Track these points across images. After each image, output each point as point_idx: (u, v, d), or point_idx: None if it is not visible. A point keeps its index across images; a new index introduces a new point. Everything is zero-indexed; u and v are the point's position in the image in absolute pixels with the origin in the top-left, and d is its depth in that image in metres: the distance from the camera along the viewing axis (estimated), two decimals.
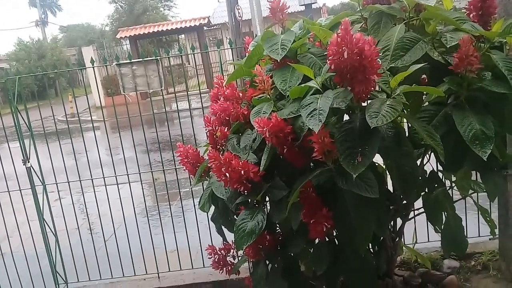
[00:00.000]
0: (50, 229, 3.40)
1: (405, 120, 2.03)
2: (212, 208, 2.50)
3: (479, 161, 1.74)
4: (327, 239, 2.14)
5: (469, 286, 2.83)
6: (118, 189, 3.41)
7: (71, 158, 3.39)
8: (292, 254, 2.29)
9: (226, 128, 2.30)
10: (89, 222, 3.56)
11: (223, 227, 2.47)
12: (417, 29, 1.95)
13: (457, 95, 1.87)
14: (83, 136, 3.44)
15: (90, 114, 3.62)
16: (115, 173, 3.41)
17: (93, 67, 3.39)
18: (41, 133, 3.56)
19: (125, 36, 20.01)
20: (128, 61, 3.28)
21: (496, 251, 3.01)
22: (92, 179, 3.43)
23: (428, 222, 2.34)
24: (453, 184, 2.34)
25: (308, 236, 1.96)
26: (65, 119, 3.68)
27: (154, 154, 6.04)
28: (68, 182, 3.46)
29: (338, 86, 1.82)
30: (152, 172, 3.59)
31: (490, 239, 3.12)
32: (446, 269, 2.98)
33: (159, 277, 3.44)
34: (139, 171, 3.45)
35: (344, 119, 1.94)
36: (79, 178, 3.44)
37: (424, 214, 2.30)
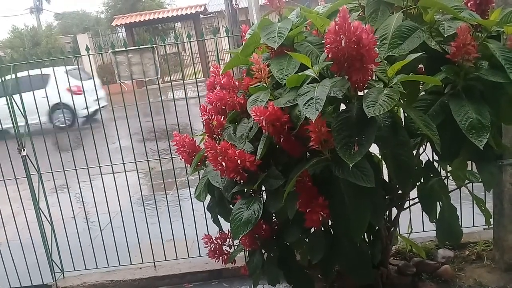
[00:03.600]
0: (46, 218, 3.40)
1: (401, 110, 2.03)
2: (208, 197, 2.49)
3: (475, 151, 1.75)
4: (322, 228, 2.14)
5: (463, 276, 2.85)
6: (114, 178, 3.40)
7: (67, 147, 3.38)
8: (288, 243, 2.30)
9: (222, 117, 2.29)
10: (85, 211, 3.56)
11: (219, 216, 2.47)
12: (415, 17, 1.94)
13: (454, 84, 1.86)
14: (78, 125, 3.43)
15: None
16: (111, 162, 3.40)
17: (88, 55, 3.36)
18: (36, 121, 3.53)
19: (121, 24, 19.85)
20: (124, 49, 3.26)
21: (490, 241, 3.03)
22: (87, 168, 3.42)
23: (423, 212, 2.35)
24: (449, 174, 2.34)
25: (304, 225, 1.96)
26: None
27: (150, 143, 6.01)
28: (64, 171, 3.45)
29: (335, 75, 1.81)
30: (148, 161, 3.58)
31: (484, 229, 3.14)
32: (441, 259, 2.99)
33: (155, 266, 3.44)
34: (135, 160, 3.44)
35: (341, 108, 1.93)
36: (75, 167, 3.43)
37: (419, 204, 2.31)
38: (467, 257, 3.03)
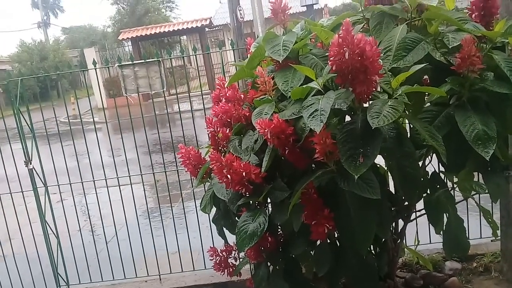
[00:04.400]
0: (52, 230, 3.41)
1: (407, 121, 2.03)
2: (214, 209, 2.49)
3: (481, 162, 1.74)
4: (328, 241, 2.13)
5: None
6: (120, 191, 3.41)
7: (73, 159, 3.40)
8: (293, 255, 2.28)
9: (227, 130, 2.30)
10: (90, 223, 3.57)
11: (224, 228, 2.47)
12: (419, 29, 1.94)
13: (459, 96, 1.86)
14: (85, 138, 3.45)
15: (92, 116, 3.63)
16: (117, 175, 3.42)
17: (95, 69, 3.39)
18: (43, 134, 3.56)
19: (127, 38, 20.04)
20: (130, 62, 3.29)
21: (498, 252, 3.00)
22: (94, 181, 3.43)
23: (430, 224, 2.33)
24: (455, 185, 2.33)
25: (310, 237, 1.95)
26: (67, 120, 3.67)
27: (156, 155, 6.04)
28: (70, 184, 3.47)
29: (339, 87, 1.81)
30: (153, 173, 3.59)
31: (492, 240, 3.10)
32: (448, 271, 2.97)
33: (160, 279, 3.43)
34: (140, 172, 3.45)
35: (346, 120, 1.93)
36: (81, 180, 3.44)
37: (426, 215, 2.29)
38: (475, 269, 3.00)
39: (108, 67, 3.78)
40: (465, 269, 3.00)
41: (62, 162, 3.34)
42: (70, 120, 3.59)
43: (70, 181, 3.45)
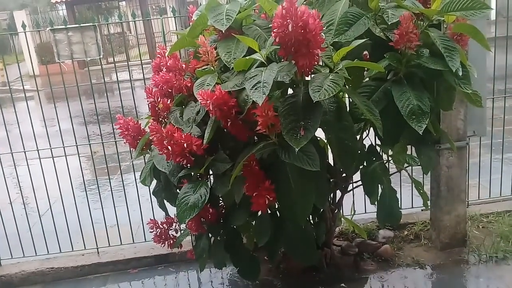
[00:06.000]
0: None
1: (346, 95, 2.07)
2: (154, 182, 2.45)
3: (414, 135, 1.82)
4: (269, 212, 2.17)
5: (402, 255, 2.98)
6: (54, 162, 3.26)
7: (2, 129, 3.20)
8: (234, 226, 2.31)
9: (168, 100, 2.25)
10: (22, 196, 3.40)
11: (165, 201, 2.44)
12: (361, 4, 1.97)
13: (396, 71, 1.92)
14: (14, 106, 3.25)
15: (22, 83, 3.41)
16: (50, 145, 3.26)
17: (25, 32, 3.17)
18: None
19: (61, 1, 18.92)
20: (64, 26, 3.10)
21: (427, 221, 3.18)
22: (25, 151, 3.26)
23: (366, 194, 2.43)
24: (390, 158, 2.43)
25: (251, 208, 1.98)
26: None
27: (93, 126, 5.80)
28: None
29: (282, 60, 1.81)
30: (90, 144, 3.46)
31: (422, 210, 3.29)
32: (381, 239, 3.12)
33: (98, 252, 3.35)
34: (76, 143, 3.31)
35: (288, 93, 1.94)
36: (11, 150, 3.26)
37: (362, 186, 2.38)
38: (406, 237, 3.17)
39: (39, 31, 3.55)
40: (397, 237, 3.16)
41: None
42: None
43: None
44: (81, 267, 3.24)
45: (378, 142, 2.34)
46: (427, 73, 1.89)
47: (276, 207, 2.26)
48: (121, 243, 3.37)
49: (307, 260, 2.43)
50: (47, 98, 7.69)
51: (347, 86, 1.96)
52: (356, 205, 3.13)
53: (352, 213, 3.07)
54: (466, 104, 2.67)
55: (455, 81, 1.88)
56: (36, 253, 3.34)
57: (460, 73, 1.83)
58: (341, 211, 2.84)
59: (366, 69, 2.04)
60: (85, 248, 3.37)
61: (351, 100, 2.00)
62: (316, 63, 1.75)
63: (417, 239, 3.15)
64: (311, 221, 2.63)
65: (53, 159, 3.27)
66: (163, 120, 2.27)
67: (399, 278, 2.80)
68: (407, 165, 2.45)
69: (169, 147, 1.95)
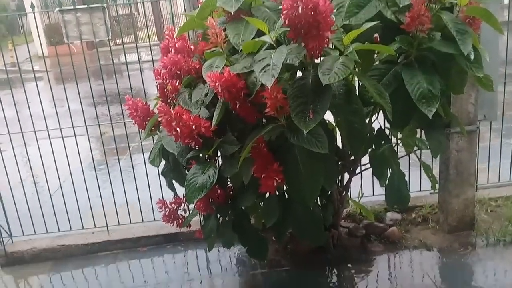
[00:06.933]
0: None
1: (356, 78, 2.06)
2: (163, 162, 2.47)
3: (424, 119, 1.81)
4: (277, 193, 2.18)
5: (409, 237, 3.00)
6: (64, 142, 3.28)
7: (12, 109, 3.22)
8: (242, 207, 2.33)
9: (177, 82, 2.24)
10: (33, 175, 3.44)
11: (173, 181, 2.46)
12: None
13: (407, 54, 1.90)
14: (24, 87, 3.26)
15: (32, 64, 3.41)
16: (60, 126, 3.28)
17: (34, 13, 3.17)
18: None
19: None
20: (72, 7, 3.09)
21: (435, 204, 3.18)
22: (35, 131, 3.28)
23: (374, 177, 2.43)
24: (399, 141, 2.42)
25: (259, 190, 1.99)
26: (5, 68, 3.45)
27: (102, 107, 5.83)
28: (9, 134, 3.30)
29: (292, 42, 1.80)
30: (99, 125, 3.48)
31: (430, 193, 3.29)
32: (389, 221, 3.13)
33: (108, 231, 3.40)
34: (85, 123, 3.33)
35: (297, 76, 1.93)
36: (21, 130, 3.29)
37: (371, 169, 2.39)
38: (414, 219, 3.18)
39: (48, 12, 3.54)
40: (404, 220, 3.17)
41: None
42: (8, 68, 3.38)
43: (9, 131, 3.29)
44: (91, 245, 3.30)
45: (387, 125, 2.33)
46: (438, 57, 1.87)
47: (284, 189, 2.27)
48: (130, 221, 3.41)
49: (315, 241, 2.46)
50: (56, 79, 7.70)
51: (357, 69, 1.95)
52: (364, 188, 3.14)
53: (360, 195, 3.08)
54: (477, 88, 2.64)
55: (466, 64, 1.85)
56: (47, 231, 3.39)
57: (472, 57, 1.81)
58: (349, 193, 2.85)
59: (376, 52, 2.02)
60: (95, 226, 3.43)
61: (360, 83, 1.99)
62: (326, 45, 1.73)
63: (424, 222, 3.16)
64: (319, 203, 2.65)
65: (62, 139, 3.29)
66: (171, 102, 2.27)
67: (406, 259, 2.82)
68: (416, 148, 2.44)
69: (178, 129, 1.96)
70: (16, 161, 3.34)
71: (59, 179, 3.39)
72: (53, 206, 3.38)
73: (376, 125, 2.37)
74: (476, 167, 2.94)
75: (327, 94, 1.72)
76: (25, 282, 3.05)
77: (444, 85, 1.85)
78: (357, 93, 1.98)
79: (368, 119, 2.23)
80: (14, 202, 3.36)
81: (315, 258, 2.85)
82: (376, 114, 2.27)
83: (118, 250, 3.29)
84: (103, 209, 3.39)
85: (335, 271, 2.76)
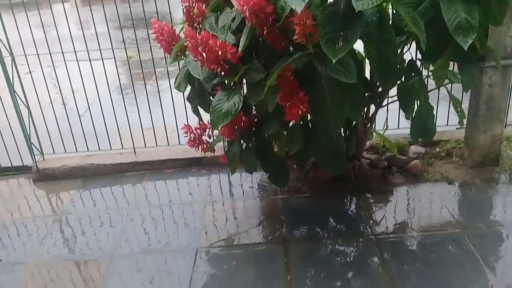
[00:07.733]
0: (22, 101, 3.34)
1: (390, 5, 1.97)
2: (188, 88, 2.48)
3: (459, 51, 1.74)
4: (301, 122, 2.18)
5: (431, 170, 3.00)
6: (91, 65, 3.30)
7: (40, 31, 3.22)
8: (266, 135, 2.35)
9: (203, 6, 2.19)
10: (62, 96, 3.50)
11: (199, 107, 2.48)
12: None
13: None
14: (51, 8, 3.24)
15: None
16: (87, 48, 3.28)
17: None
18: (6, 3, 3.32)
19: None
20: None
21: (461, 140, 3.15)
22: (62, 53, 3.30)
23: (400, 110, 2.39)
24: (430, 74, 2.35)
25: (283, 118, 1.99)
26: None
27: (128, 31, 5.77)
28: (38, 55, 3.33)
29: None
30: (126, 48, 3.47)
31: (457, 128, 3.24)
32: (412, 155, 3.13)
33: (135, 152, 3.51)
34: (112, 47, 3.32)
35: (329, 1, 1.86)
36: (49, 51, 3.31)
37: (398, 102, 2.35)
38: (437, 154, 3.17)
39: None
40: (428, 153, 3.16)
41: (27, 33, 3.16)
42: None
43: (37, 52, 3.31)
44: (119, 165, 3.42)
45: (419, 56, 2.25)
46: None
47: (309, 118, 2.26)
48: (156, 144, 3.50)
49: (336, 170, 2.48)
50: (82, 1, 7.60)
51: None
52: (390, 121, 3.11)
53: (385, 128, 3.06)
54: None
55: None
56: (76, 150, 3.52)
57: None
58: (373, 125, 2.83)
59: None
60: (122, 147, 3.53)
61: (394, 11, 1.90)
62: None
63: (448, 156, 3.14)
64: (343, 133, 2.65)
65: (90, 62, 3.31)
66: (198, 26, 2.23)
67: (426, 191, 2.84)
68: (447, 82, 2.37)
69: (204, 54, 1.94)
70: (46, 82, 3.40)
71: (87, 101, 3.45)
72: (82, 127, 3.48)
73: (407, 57, 2.30)
74: (508, 103, 2.86)
75: (359, 21, 1.66)
76: (56, 197, 3.21)
77: (483, 16, 1.76)
78: (391, 21, 1.90)
79: (400, 49, 2.16)
80: (45, 122, 3.47)
81: (335, 186, 2.90)
82: (409, 45, 2.20)
83: (145, 171, 3.40)
84: (130, 132, 3.47)
85: (354, 199, 2.81)
